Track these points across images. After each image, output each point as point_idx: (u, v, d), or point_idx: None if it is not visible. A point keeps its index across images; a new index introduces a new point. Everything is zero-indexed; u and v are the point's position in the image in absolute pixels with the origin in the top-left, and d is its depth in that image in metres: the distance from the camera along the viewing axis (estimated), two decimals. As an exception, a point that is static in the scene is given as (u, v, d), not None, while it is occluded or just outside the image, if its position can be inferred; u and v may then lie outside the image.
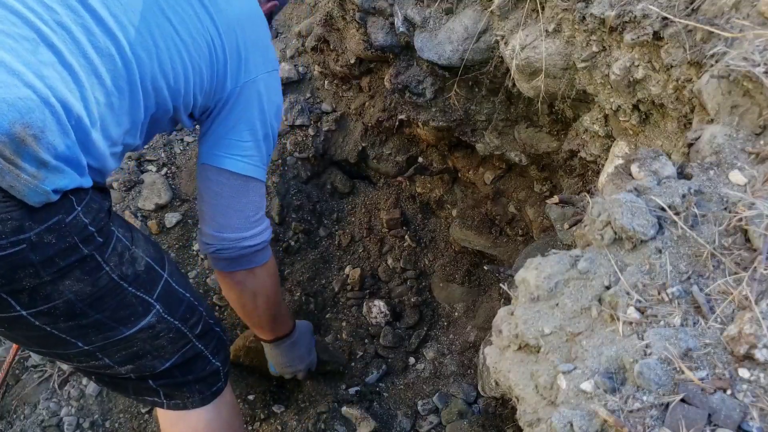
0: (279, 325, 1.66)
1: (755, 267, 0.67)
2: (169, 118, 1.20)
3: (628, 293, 0.71)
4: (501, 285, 2.03)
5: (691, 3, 0.95)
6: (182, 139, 2.25)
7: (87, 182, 1.00)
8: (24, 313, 0.97)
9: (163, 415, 1.34)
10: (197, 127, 1.35)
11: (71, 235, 0.97)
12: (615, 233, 0.77)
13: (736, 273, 0.68)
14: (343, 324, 2.27)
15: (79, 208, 0.98)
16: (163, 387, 1.26)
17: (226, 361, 1.38)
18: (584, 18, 1.13)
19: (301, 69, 2.31)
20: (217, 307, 2.08)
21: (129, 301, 1.10)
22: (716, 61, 0.87)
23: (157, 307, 1.15)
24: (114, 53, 0.99)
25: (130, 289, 1.09)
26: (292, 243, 2.28)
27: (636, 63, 1.08)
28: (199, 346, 1.27)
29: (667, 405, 0.60)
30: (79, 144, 0.96)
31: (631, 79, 1.11)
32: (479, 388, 1.61)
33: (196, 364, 1.28)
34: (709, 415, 0.58)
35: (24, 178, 0.88)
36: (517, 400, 0.76)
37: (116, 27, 1.00)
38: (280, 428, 1.93)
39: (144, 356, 1.17)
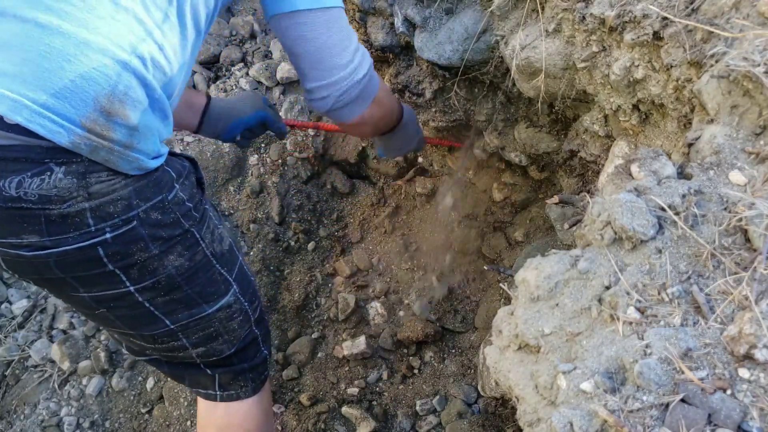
0: (393, 121, 1.56)
1: (755, 267, 0.67)
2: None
3: (628, 293, 0.71)
4: (501, 285, 2.03)
5: (691, 3, 0.95)
6: (182, 139, 2.25)
7: (170, 131, 1.02)
8: (132, 288, 1.04)
9: (204, 401, 1.36)
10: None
11: (174, 211, 1.03)
12: (615, 233, 0.77)
13: (736, 273, 0.68)
14: (343, 324, 2.27)
15: (177, 186, 1.05)
16: (221, 375, 1.29)
17: (270, 350, 1.42)
18: (584, 18, 1.13)
19: (301, 69, 2.31)
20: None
21: (215, 278, 1.15)
22: (716, 61, 0.87)
23: (235, 286, 1.20)
24: None
25: (217, 266, 1.15)
26: (292, 243, 2.28)
27: (636, 63, 1.08)
28: (256, 331, 1.31)
29: (667, 405, 0.60)
30: (160, 84, 0.94)
31: (631, 79, 1.11)
32: (479, 388, 1.61)
33: (250, 351, 1.31)
34: (709, 415, 0.58)
35: (117, 150, 0.90)
36: (517, 400, 0.76)
37: None
38: (280, 428, 1.93)
39: (216, 338, 1.21)
